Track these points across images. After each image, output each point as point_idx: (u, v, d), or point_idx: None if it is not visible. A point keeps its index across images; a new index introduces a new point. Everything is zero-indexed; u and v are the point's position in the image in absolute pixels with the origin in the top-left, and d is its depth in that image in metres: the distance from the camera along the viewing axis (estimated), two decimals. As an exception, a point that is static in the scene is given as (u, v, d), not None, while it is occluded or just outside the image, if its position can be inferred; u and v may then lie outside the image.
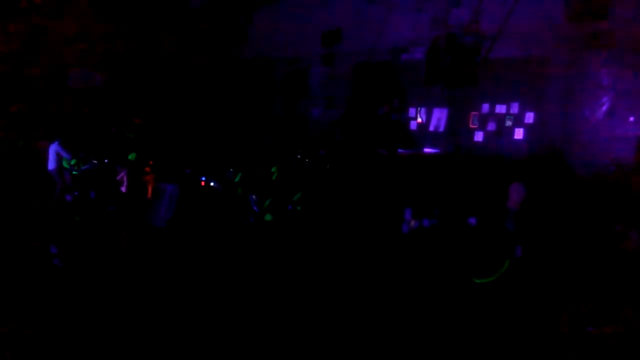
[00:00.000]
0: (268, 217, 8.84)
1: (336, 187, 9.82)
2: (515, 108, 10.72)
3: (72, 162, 10.53)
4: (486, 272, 5.93)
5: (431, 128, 12.06)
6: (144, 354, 4.77)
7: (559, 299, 5.93)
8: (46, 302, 5.67)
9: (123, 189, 9.35)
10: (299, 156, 11.94)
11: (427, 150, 11.82)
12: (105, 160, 10.86)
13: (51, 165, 10.46)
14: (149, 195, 9.07)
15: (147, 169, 9.51)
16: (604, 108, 9.53)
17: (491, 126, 11.03)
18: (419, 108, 12.24)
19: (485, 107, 11.12)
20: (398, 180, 9.65)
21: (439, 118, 11.93)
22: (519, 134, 10.66)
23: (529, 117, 10.54)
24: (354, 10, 12.45)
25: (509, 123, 10.80)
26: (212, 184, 9.73)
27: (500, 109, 10.92)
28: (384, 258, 7.32)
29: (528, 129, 10.57)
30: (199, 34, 15.31)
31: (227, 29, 15.32)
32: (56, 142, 10.50)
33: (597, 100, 9.60)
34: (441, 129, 11.88)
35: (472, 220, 7.23)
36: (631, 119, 9.26)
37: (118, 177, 9.48)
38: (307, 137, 13.67)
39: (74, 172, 10.63)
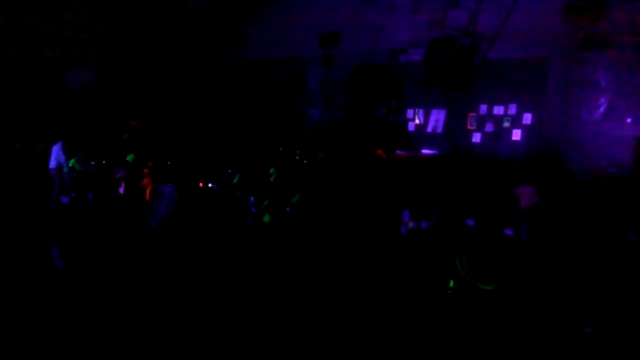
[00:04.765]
0: (266, 218, 8.83)
1: (334, 188, 9.82)
2: (513, 109, 10.75)
3: (70, 163, 10.55)
4: (483, 276, 5.92)
5: (429, 129, 12.08)
6: (144, 354, 4.77)
7: (559, 300, 5.94)
8: (45, 303, 5.67)
9: (121, 190, 9.33)
10: (297, 157, 11.95)
11: (425, 151, 11.84)
12: (103, 162, 10.87)
13: (52, 164, 10.49)
14: (147, 197, 9.05)
15: (146, 170, 9.50)
16: (602, 109, 9.55)
17: (489, 127, 11.05)
18: (417, 109, 12.26)
19: (483, 109, 11.14)
20: (396, 182, 9.66)
21: (437, 119, 11.95)
22: (516, 135, 10.68)
23: (527, 119, 10.56)
24: (352, 12, 12.46)
25: (506, 124, 10.82)
26: (210, 185, 9.73)
27: (498, 110, 10.94)
28: (382, 259, 7.32)
29: (526, 130, 10.59)
30: (198, 35, 15.31)
31: (225, 30, 15.32)
32: (59, 142, 10.53)
33: (595, 102, 9.62)
34: (439, 130, 11.90)
35: (471, 222, 7.23)
36: (629, 120, 9.28)
37: (117, 176, 9.47)
38: (305, 138, 13.68)
39: (73, 174, 10.64)
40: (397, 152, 11.57)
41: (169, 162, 11.14)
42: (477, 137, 11.23)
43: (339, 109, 13.54)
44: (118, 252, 7.33)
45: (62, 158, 10.44)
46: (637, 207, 7.74)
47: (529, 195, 7.47)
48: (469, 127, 11.34)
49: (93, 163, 10.94)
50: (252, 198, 9.15)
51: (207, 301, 5.94)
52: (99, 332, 5.10)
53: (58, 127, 11.75)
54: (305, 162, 11.55)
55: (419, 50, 11.35)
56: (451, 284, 5.84)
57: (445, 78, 10.31)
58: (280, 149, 12.74)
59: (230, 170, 10.44)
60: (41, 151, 11.68)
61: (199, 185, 9.76)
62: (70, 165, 10.56)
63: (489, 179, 8.79)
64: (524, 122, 10.61)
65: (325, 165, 11.37)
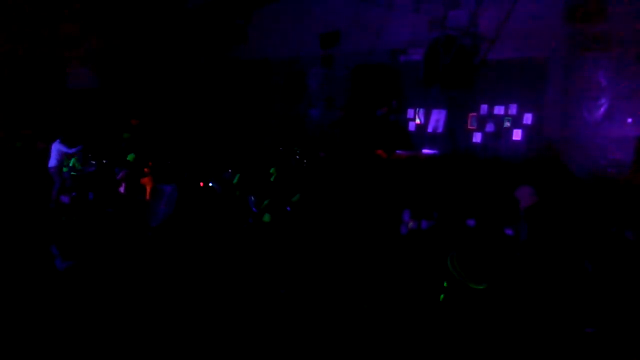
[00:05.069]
0: (267, 218, 8.84)
1: (335, 188, 9.82)
2: (513, 109, 10.75)
3: (72, 162, 10.54)
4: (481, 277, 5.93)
5: (430, 129, 12.08)
6: (143, 354, 4.77)
7: (558, 300, 5.94)
8: (45, 303, 5.67)
9: (121, 190, 9.34)
10: (297, 157, 11.95)
11: (425, 151, 11.84)
12: (104, 162, 10.86)
13: (52, 163, 10.46)
14: (148, 196, 9.06)
15: (146, 170, 9.50)
16: (602, 110, 9.55)
17: (490, 127, 11.05)
18: (417, 109, 12.26)
19: (484, 109, 11.14)
20: (396, 182, 9.66)
21: (438, 119, 11.95)
22: (517, 135, 10.68)
23: (528, 119, 10.57)
24: (352, 12, 12.46)
25: (507, 124, 10.82)
26: (210, 184, 9.74)
27: (499, 110, 10.94)
28: (383, 259, 7.32)
29: (526, 130, 10.59)
30: (197, 35, 15.31)
31: (225, 29, 15.32)
32: (57, 141, 10.52)
33: (595, 102, 9.62)
34: (440, 130, 11.90)
35: (471, 222, 7.23)
36: (629, 120, 9.28)
37: (119, 177, 9.47)
38: (306, 138, 13.68)
39: (72, 174, 10.64)
40: (398, 152, 11.57)
41: (169, 162, 11.14)
42: (477, 137, 11.23)
43: (339, 109, 13.54)
44: (118, 252, 7.33)
45: (66, 151, 10.43)
46: (637, 207, 7.75)
47: (528, 196, 7.49)
48: (469, 127, 11.34)
49: (94, 163, 10.93)
50: (252, 198, 9.16)
51: (208, 301, 5.94)
52: (99, 332, 5.10)
53: (57, 126, 11.76)
54: (305, 162, 11.55)
55: (419, 50, 11.35)
56: (445, 284, 5.86)
57: (446, 78, 10.31)
58: (281, 148, 12.74)
59: (230, 170, 10.44)
60: (41, 151, 11.68)
61: (199, 185, 9.76)
62: (71, 164, 10.56)
63: (490, 179, 8.80)
64: (524, 122, 10.61)
65: (325, 165, 11.37)
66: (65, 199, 9.62)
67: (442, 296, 5.70)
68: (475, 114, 11.26)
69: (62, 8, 14.15)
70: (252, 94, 15.26)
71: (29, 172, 11.38)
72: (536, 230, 6.89)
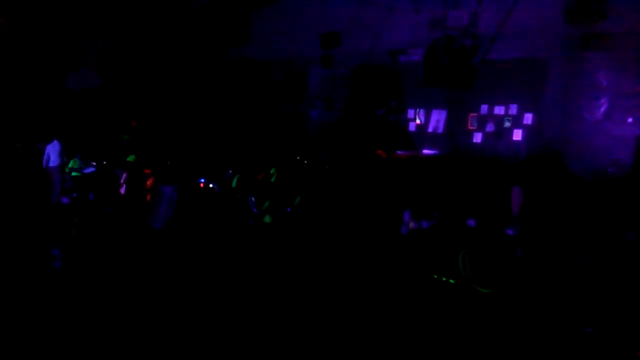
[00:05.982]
0: (267, 219, 8.85)
1: (335, 189, 9.82)
2: (513, 109, 10.74)
3: (71, 162, 10.54)
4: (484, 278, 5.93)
5: (430, 129, 12.07)
6: (143, 354, 4.78)
7: (558, 300, 5.94)
8: (45, 304, 5.67)
9: (122, 191, 9.35)
10: (297, 157, 11.96)
11: (425, 151, 11.83)
12: (104, 163, 10.86)
13: (53, 162, 10.40)
14: (148, 197, 9.07)
15: (146, 170, 9.51)
16: (603, 109, 9.54)
17: (490, 127, 11.04)
18: (417, 109, 12.25)
19: (484, 109, 11.13)
20: (397, 182, 9.66)
21: (438, 119, 11.94)
22: (517, 135, 10.67)
23: (528, 119, 10.55)
24: (352, 12, 12.45)
25: (507, 124, 10.81)
26: (211, 185, 9.74)
27: (499, 110, 10.94)
28: (383, 259, 7.33)
29: (526, 130, 10.58)
30: (198, 35, 15.31)
31: (226, 30, 15.32)
32: (54, 142, 10.49)
33: (596, 101, 9.61)
34: (440, 130, 11.90)
35: (471, 222, 7.23)
36: (629, 119, 9.27)
37: (122, 180, 9.47)
38: (306, 138, 13.68)
39: (73, 174, 10.64)
40: (398, 152, 11.56)
41: (170, 163, 11.14)
42: (478, 137, 11.22)
43: (339, 109, 13.54)
44: (119, 253, 7.34)
45: (59, 155, 10.41)
46: (637, 207, 7.74)
47: (518, 196, 7.55)
48: (469, 127, 11.33)
49: (94, 164, 10.93)
50: (252, 199, 9.17)
51: (208, 301, 5.95)
52: (99, 332, 5.11)
53: (55, 127, 11.74)
54: (305, 162, 11.55)
55: (418, 50, 11.34)
56: (443, 278, 5.86)
57: (446, 78, 10.29)
58: (281, 149, 12.74)
59: (230, 171, 10.44)
60: (39, 151, 11.68)
61: (199, 185, 9.77)
62: (70, 165, 10.55)
63: (490, 179, 8.79)
64: (524, 122, 10.60)
65: (325, 165, 11.37)
66: (65, 199, 9.63)
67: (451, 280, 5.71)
68: (475, 114, 11.25)
69: (64, 7, 14.16)
70: (252, 94, 15.25)
71: (29, 172, 11.37)
72: (529, 229, 6.92)
